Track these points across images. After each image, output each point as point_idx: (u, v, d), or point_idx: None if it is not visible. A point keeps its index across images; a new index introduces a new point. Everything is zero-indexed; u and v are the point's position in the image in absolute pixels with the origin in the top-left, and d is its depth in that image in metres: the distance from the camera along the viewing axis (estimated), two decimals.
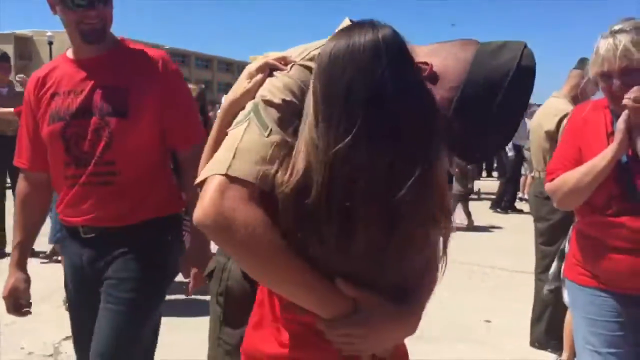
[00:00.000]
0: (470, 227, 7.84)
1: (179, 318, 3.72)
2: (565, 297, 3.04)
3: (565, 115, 3.40)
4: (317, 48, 1.11)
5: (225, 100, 1.28)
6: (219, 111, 1.30)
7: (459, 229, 7.73)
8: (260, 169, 1.00)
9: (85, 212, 1.84)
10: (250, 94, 1.15)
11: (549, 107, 3.67)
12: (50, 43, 32.80)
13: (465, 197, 8.13)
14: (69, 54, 1.91)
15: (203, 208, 0.98)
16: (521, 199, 9.56)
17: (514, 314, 4.20)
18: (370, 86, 0.95)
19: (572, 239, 2.21)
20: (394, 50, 0.97)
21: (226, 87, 56.29)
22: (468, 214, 7.97)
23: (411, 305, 1.11)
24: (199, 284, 2.01)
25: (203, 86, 5.47)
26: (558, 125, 3.45)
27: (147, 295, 1.87)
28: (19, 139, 2.00)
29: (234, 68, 70.84)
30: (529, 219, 8.23)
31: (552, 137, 3.48)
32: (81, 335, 1.96)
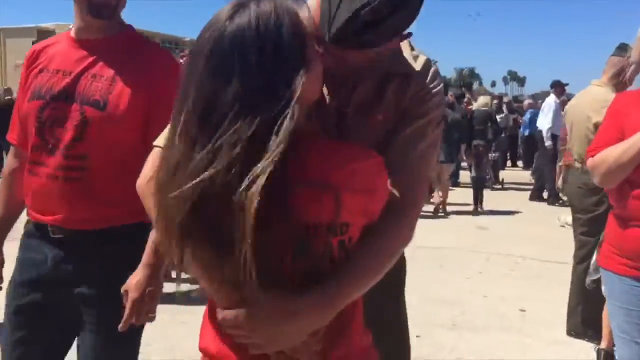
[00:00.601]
0: (475, 212, 8.14)
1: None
2: (603, 287, 3.05)
3: None
4: None
5: None
6: None
7: (492, 212, 7.73)
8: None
9: (54, 210, 1.67)
10: None
11: (595, 98, 3.54)
12: None
13: (479, 183, 8.30)
14: (72, 32, 1.76)
15: None
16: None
17: (547, 303, 4.21)
18: (196, 96, 0.93)
19: (608, 227, 2.19)
20: (223, 51, 0.92)
21: None
22: (475, 200, 8.25)
23: (315, 298, 0.98)
24: (133, 315, 1.63)
25: None
26: None
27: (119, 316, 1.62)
28: (13, 114, 1.87)
29: None
30: (554, 209, 8.28)
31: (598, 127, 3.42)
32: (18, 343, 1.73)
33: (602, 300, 3.24)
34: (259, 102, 0.89)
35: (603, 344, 3.30)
